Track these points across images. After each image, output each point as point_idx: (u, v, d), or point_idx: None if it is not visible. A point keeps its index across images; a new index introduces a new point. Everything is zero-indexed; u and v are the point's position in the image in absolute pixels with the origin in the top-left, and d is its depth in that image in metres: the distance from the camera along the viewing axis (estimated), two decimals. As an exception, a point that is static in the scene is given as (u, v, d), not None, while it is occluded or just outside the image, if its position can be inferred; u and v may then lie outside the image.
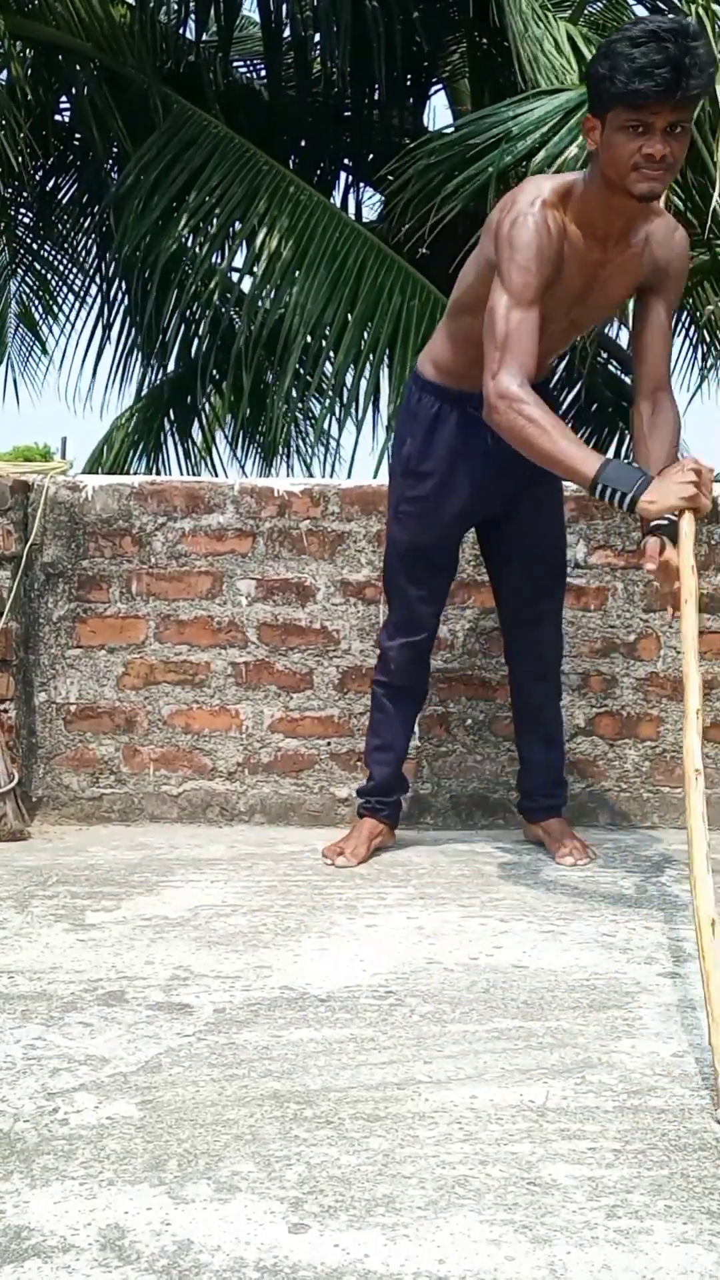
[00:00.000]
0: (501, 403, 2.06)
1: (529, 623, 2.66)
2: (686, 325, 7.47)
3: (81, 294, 7.15)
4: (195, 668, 3.00)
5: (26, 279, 7.36)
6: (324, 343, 5.39)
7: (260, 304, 5.63)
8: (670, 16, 2.08)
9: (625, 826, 3.01)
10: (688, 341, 7.55)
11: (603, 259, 2.22)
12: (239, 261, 6.02)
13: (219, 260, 5.94)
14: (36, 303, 7.56)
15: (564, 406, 7.69)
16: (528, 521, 2.58)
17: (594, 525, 3.00)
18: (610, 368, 8.13)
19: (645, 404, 2.32)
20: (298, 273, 5.34)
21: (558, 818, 2.70)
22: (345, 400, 5.55)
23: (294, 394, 6.03)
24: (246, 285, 6.05)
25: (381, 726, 2.68)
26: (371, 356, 5.37)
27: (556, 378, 7.85)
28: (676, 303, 2.37)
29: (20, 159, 5.64)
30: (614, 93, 2.00)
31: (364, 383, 5.43)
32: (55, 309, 7.49)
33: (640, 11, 6.49)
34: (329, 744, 2.99)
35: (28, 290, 7.45)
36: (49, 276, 7.32)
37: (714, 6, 4.42)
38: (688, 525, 2.04)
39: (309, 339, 5.40)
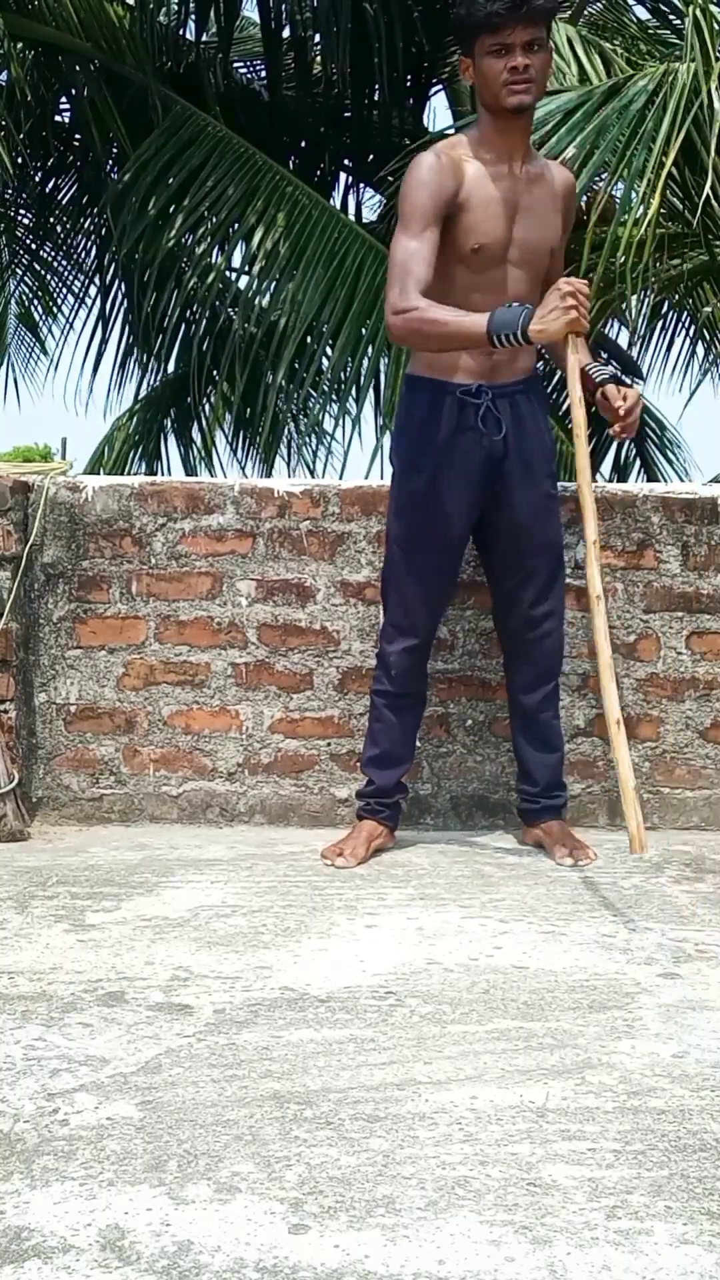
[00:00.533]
0: (397, 319, 2.34)
1: (527, 626, 2.67)
2: (686, 325, 7.47)
3: (81, 295, 7.15)
4: (195, 668, 3.00)
5: (25, 279, 7.36)
6: (321, 339, 5.40)
7: (257, 301, 5.63)
8: None
9: (625, 826, 3.01)
10: (687, 342, 7.54)
11: (514, 186, 2.45)
12: (238, 261, 6.02)
13: (218, 259, 5.94)
14: (36, 303, 7.56)
15: (564, 407, 7.69)
16: (523, 521, 2.59)
17: (594, 526, 3.00)
18: (610, 367, 8.12)
19: None
20: (295, 271, 5.35)
21: (558, 820, 2.71)
22: (341, 395, 5.57)
23: (292, 391, 6.04)
24: (245, 284, 6.05)
25: (381, 736, 2.68)
26: (370, 351, 5.38)
27: (557, 377, 7.86)
28: (566, 234, 2.63)
29: (20, 160, 5.64)
30: (473, 23, 2.33)
31: (361, 378, 5.44)
32: (55, 310, 7.49)
33: (640, 12, 6.50)
34: (329, 745, 2.99)
35: (27, 291, 7.45)
36: (48, 277, 7.32)
37: (712, 7, 4.41)
38: (573, 358, 2.39)
39: (308, 338, 5.40)
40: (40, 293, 7.42)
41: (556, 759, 2.74)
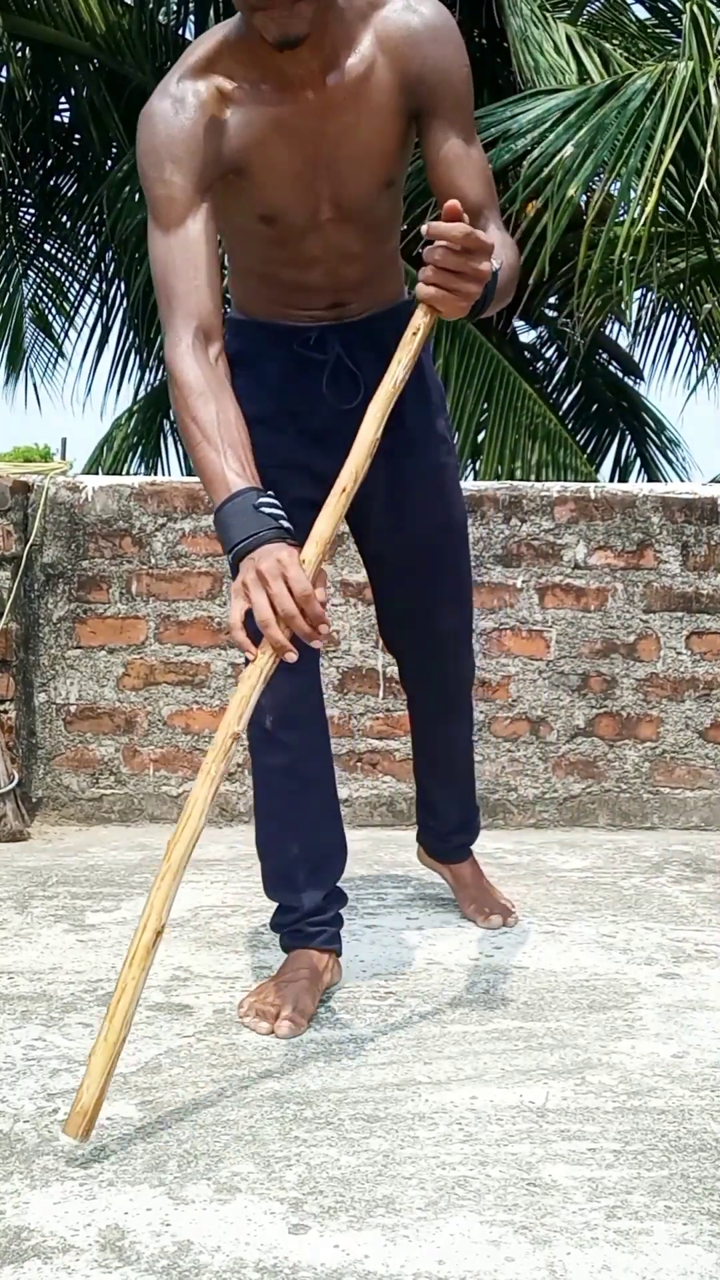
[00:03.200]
0: (171, 380, 1.51)
1: (420, 644, 1.99)
2: (686, 329, 7.47)
3: (80, 296, 7.16)
4: (195, 668, 3.00)
5: (30, 277, 7.36)
6: None
7: None
8: None
9: (625, 826, 3.01)
10: (686, 343, 7.54)
11: (311, 107, 1.55)
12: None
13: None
14: (46, 303, 7.56)
15: (564, 407, 7.69)
16: (399, 506, 1.84)
17: (594, 526, 3.00)
18: (610, 368, 8.13)
19: None
20: None
21: (469, 861, 2.17)
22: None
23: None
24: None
25: (285, 813, 1.77)
26: None
27: (557, 378, 7.87)
28: (468, 113, 1.61)
29: (19, 161, 5.64)
30: None
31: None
32: (56, 310, 7.49)
33: (640, 12, 6.49)
34: (329, 744, 2.99)
35: (36, 292, 7.44)
36: (57, 273, 7.32)
37: (710, 5, 4.42)
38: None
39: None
40: (49, 291, 7.42)
41: (467, 792, 2.17)
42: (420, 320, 1.45)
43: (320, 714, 1.79)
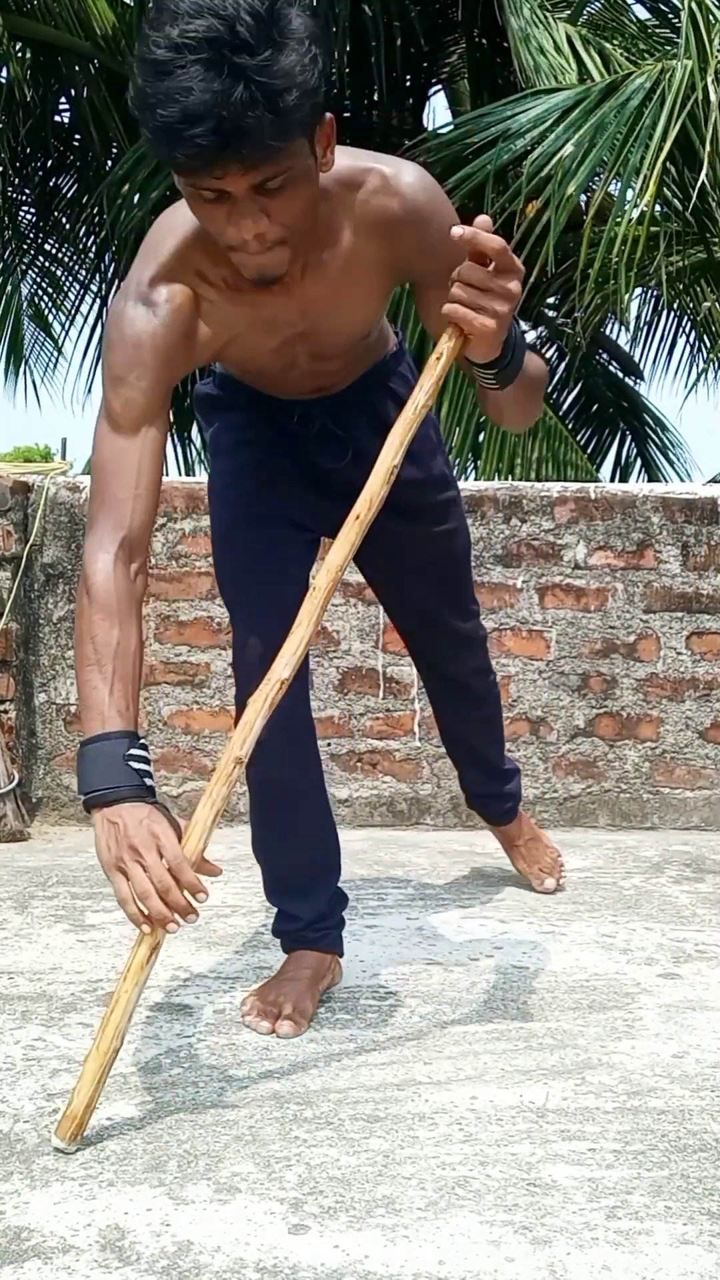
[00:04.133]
0: (81, 584, 1.43)
1: (431, 643, 2.08)
2: (686, 330, 7.47)
3: (80, 296, 7.15)
4: (195, 668, 3.00)
5: (31, 277, 7.36)
6: None
7: None
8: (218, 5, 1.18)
9: (625, 827, 3.01)
10: (685, 341, 7.54)
11: (292, 301, 1.48)
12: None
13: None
14: (45, 302, 7.55)
15: (564, 407, 7.69)
16: (402, 545, 1.86)
17: (594, 526, 3.00)
18: (611, 368, 8.13)
19: None
20: None
21: (515, 821, 2.31)
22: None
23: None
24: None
25: (280, 825, 1.79)
26: None
27: (557, 378, 7.87)
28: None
29: (19, 160, 5.64)
30: (155, 152, 1.31)
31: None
32: (55, 309, 7.49)
33: (640, 12, 6.49)
34: (329, 745, 2.99)
35: (35, 291, 7.44)
36: (57, 273, 7.32)
37: (708, 2, 4.41)
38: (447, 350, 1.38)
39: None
40: (48, 290, 7.41)
41: (505, 772, 2.29)
42: (445, 345, 1.36)
43: (308, 726, 1.79)
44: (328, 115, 1.32)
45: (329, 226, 1.44)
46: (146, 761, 1.34)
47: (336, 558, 1.37)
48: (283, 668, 1.36)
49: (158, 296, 1.43)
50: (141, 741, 1.36)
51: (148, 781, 1.33)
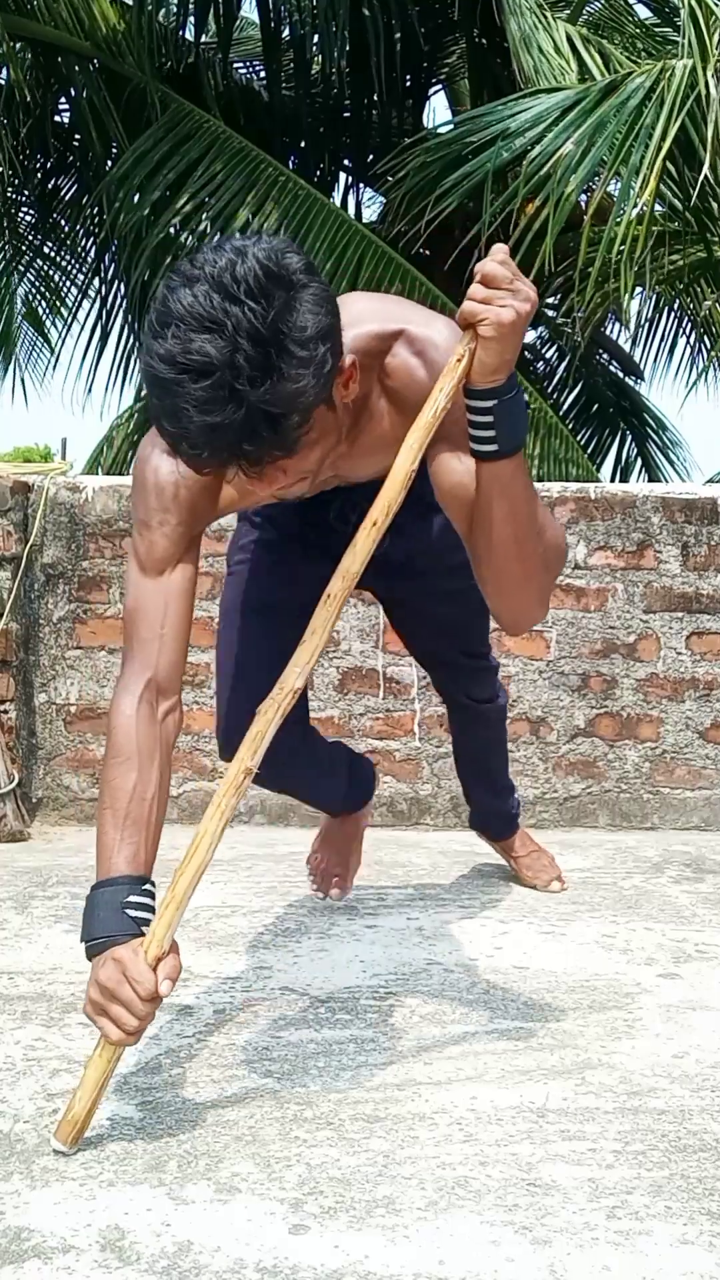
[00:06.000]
0: (108, 724, 1.46)
1: (444, 666, 2.18)
2: (686, 330, 7.48)
3: (80, 294, 7.15)
4: (195, 668, 3.00)
5: (29, 279, 7.36)
6: None
7: None
8: (213, 308, 1.13)
9: (625, 826, 3.01)
10: (685, 341, 7.55)
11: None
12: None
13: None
14: (41, 302, 7.56)
15: (564, 407, 7.69)
16: (419, 616, 2.01)
17: (594, 526, 3.00)
18: (611, 367, 8.13)
19: None
20: None
21: (513, 836, 2.43)
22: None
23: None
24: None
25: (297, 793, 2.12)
26: None
27: (557, 378, 7.87)
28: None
29: (20, 159, 5.63)
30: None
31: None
32: (57, 308, 7.49)
33: (641, 11, 6.49)
34: (329, 744, 2.99)
35: (31, 291, 7.45)
36: (54, 275, 7.32)
37: (709, 2, 4.41)
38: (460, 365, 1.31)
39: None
40: (45, 291, 7.42)
41: (505, 796, 2.42)
42: (463, 347, 1.30)
43: (306, 722, 1.97)
44: (347, 360, 1.27)
45: (355, 400, 1.37)
46: (148, 909, 1.34)
47: (352, 565, 1.34)
48: (295, 677, 1.34)
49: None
50: (147, 886, 1.36)
51: (144, 928, 1.32)
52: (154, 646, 1.43)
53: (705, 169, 4.22)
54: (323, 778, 2.03)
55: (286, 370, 1.14)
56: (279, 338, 1.13)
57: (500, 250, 1.27)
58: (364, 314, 1.37)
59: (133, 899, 1.33)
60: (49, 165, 6.81)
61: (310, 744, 1.98)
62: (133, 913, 1.32)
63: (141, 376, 1.23)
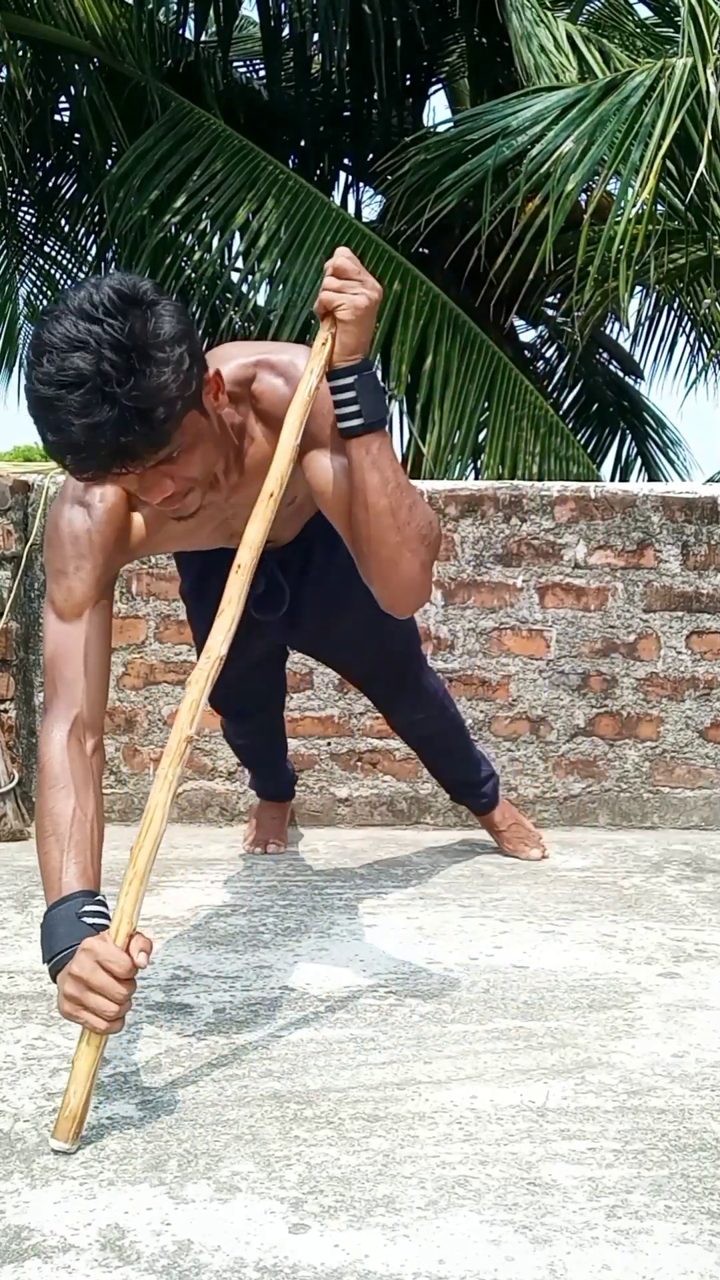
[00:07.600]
0: (38, 763, 1.54)
1: (404, 723, 2.46)
2: (685, 330, 7.47)
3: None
4: (194, 668, 3.00)
5: (29, 278, 7.36)
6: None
7: (252, 293, 5.62)
8: (79, 331, 1.27)
9: (625, 826, 3.01)
10: (684, 339, 7.54)
11: (218, 496, 1.59)
12: (236, 249, 5.99)
13: (215, 249, 5.92)
14: (44, 303, 7.55)
15: (564, 406, 7.69)
16: (347, 647, 2.24)
17: (594, 525, 3.00)
18: (610, 367, 8.12)
19: None
20: (296, 259, 5.33)
21: (496, 808, 2.62)
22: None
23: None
24: (242, 278, 6.03)
25: (261, 763, 2.68)
26: (371, 345, 5.37)
27: (557, 377, 7.87)
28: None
29: (20, 159, 5.63)
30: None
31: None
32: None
33: (641, 10, 6.48)
34: (329, 744, 2.99)
35: (34, 291, 7.44)
36: (56, 274, 7.32)
37: (709, 0, 4.40)
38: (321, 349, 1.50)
39: (307, 335, 5.39)
40: (47, 291, 7.41)
41: (473, 764, 2.58)
42: (325, 333, 1.50)
43: (275, 700, 2.48)
44: (210, 372, 1.43)
45: (235, 427, 1.56)
46: (103, 915, 1.37)
47: (254, 534, 1.45)
48: (220, 644, 1.43)
49: (92, 498, 1.55)
50: (99, 898, 1.39)
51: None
52: (79, 686, 1.53)
53: (701, 167, 4.22)
54: (280, 760, 2.65)
55: (148, 370, 1.28)
56: (138, 344, 1.28)
57: (345, 250, 1.51)
58: (231, 353, 1.58)
59: (88, 908, 1.37)
60: (49, 164, 6.81)
61: (281, 727, 2.57)
62: (90, 920, 1.36)
63: (26, 404, 1.34)
